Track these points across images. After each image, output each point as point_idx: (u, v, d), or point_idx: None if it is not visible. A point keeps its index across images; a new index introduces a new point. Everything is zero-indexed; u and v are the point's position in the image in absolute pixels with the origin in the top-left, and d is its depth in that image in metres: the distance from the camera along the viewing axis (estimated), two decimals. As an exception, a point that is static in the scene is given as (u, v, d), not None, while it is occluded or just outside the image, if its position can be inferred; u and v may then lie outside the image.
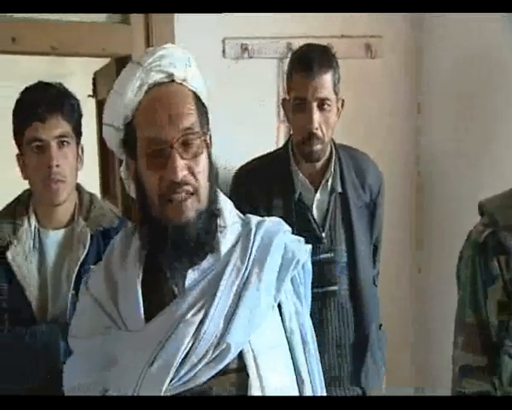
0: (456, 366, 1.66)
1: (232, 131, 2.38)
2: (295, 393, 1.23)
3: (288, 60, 2.35)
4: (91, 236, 1.73)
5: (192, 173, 1.15)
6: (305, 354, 1.26)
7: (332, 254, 1.98)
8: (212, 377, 1.12)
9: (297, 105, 1.92)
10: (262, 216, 1.89)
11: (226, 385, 1.14)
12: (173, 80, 1.19)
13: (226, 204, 1.27)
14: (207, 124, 1.23)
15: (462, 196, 1.83)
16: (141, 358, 1.11)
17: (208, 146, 1.20)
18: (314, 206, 1.99)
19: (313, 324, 1.91)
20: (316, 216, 1.99)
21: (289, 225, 1.92)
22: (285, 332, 1.24)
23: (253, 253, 1.21)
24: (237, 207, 2.05)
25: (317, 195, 2.00)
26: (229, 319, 1.14)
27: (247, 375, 1.14)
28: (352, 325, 2.00)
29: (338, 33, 2.47)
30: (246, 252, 1.21)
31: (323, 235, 1.98)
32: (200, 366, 1.11)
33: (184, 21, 2.28)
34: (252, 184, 2.04)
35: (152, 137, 1.14)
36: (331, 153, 2.02)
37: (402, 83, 2.57)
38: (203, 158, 1.17)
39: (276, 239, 1.25)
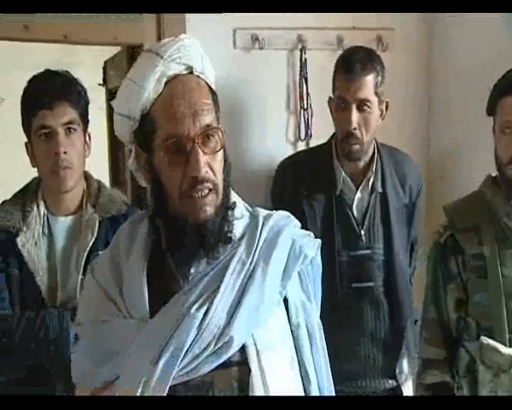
0: (420, 359, 1.79)
1: (242, 123, 2.37)
2: (299, 390, 1.22)
3: (298, 51, 2.39)
4: (100, 222, 1.75)
5: (212, 169, 1.15)
6: (311, 350, 1.25)
7: (370, 252, 2.03)
8: (214, 369, 1.12)
9: (338, 104, 1.97)
10: (303, 209, 1.98)
11: (228, 378, 1.14)
12: (191, 72, 1.19)
13: (234, 197, 1.27)
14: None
15: (473, 189, 1.86)
16: (146, 354, 1.10)
17: (223, 140, 1.19)
18: (354, 204, 2.03)
19: (349, 317, 1.99)
20: (355, 213, 2.03)
21: (329, 220, 2.00)
22: (291, 327, 1.23)
23: (258, 247, 1.20)
24: (279, 197, 2.12)
25: (358, 193, 2.04)
26: (233, 312, 1.13)
27: (250, 369, 1.14)
28: (387, 320, 2.04)
29: (350, 25, 2.46)
30: (252, 246, 1.20)
31: (362, 232, 2.02)
32: (202, 358, 1.11)
33: (195, 12, 2.27)
34: (295, 176, 2.09)
35: (173, 133, 1.13)
36: (374, 153, 2.05)
37: (413, 76, 2.55)
38: (220, 153, 1.18)
39: (284, 233, 1.24)
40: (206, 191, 1.14)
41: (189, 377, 1.12)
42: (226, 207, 1.20)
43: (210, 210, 1.15)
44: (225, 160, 1.20)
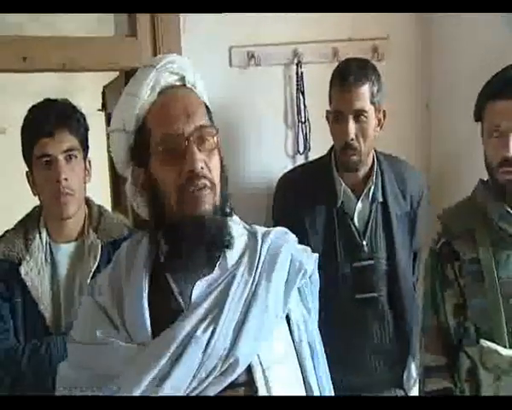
0: (421, 367, 1.77)
1: (240, 138, 2.39)
2: None
3: (294, 65, 2.40)
4: (102, 247, 1.76)
5: (208, 167, 1.17)
6: (313, 362, 1.24)
7: (372, 262, 2.02)
8: (221, 391, 1.11)
9: (335, 116, 1.98)
10: (305, 222, 1.98)
11: None
12: (184, 84, 1.23)
13: (233, 216, 1.26)
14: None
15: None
16: (147, 375, 1.08)
17: (219, 147, 1.21)
18: (355, 214, 2.03)
19: (354, 329, 1.97)
20: (357, 224, 2.03)
21: (331, 232, 2.00)
22: (293, 343, 1.23)
23: (260, 265, 1.20)
24: (280, 211, 2.13)
25: (359, 204, 2.03)
26: (238, 332, 1.12)
27: (256, 389, 1.13)
28: (392, 329, 2.03)
29: (345, 37, 2.47)
30: (253, 264, 1.20)
31: (364, 243, 2.01)
32: (208, 381, 1.10)
33: (190, 32, 2.29)
34: (295, 190, 2.09)
35: (168, 133, 1.15)
36: (373, 163, 2.05)
37: (409, 84, 2.56)
38: (216, 156, 1.19)
39: (283, 250, 1.24)
40: (203, 186, 1.15)
41: None
42: (223, 210, 1.20)
43: (207, 206, 1.15)
44: (222, 166, 1.21)
